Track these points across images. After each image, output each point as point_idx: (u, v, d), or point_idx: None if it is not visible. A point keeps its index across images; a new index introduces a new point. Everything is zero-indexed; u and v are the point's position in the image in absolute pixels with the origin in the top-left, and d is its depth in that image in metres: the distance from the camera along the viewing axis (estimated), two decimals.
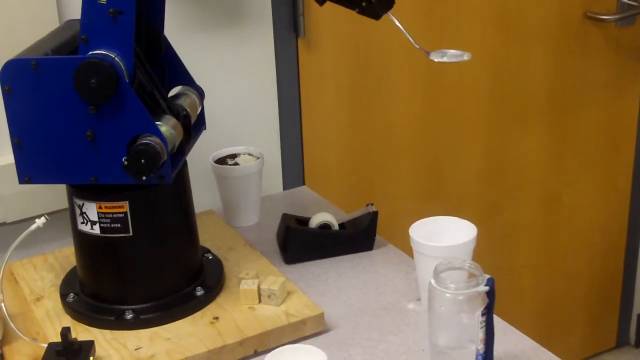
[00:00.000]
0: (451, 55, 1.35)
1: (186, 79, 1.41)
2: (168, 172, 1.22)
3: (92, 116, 1.20)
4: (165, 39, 1.38)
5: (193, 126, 1.37)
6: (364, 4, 1.36)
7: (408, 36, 1.34)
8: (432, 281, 1.13)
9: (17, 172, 1.26)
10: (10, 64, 1.21)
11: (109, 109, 1.20)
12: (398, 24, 1.33)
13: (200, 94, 1.42)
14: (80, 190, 1.28)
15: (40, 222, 1.25)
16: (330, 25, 1.87)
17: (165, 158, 1.21)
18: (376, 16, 1.39)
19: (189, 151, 1.35)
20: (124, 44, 1.20)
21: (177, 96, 1.37)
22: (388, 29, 1.94)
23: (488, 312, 1.12)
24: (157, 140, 1.20)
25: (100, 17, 1.18)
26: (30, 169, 1.26)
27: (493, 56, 2.09)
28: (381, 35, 1.92)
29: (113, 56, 1.19)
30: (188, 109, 1.33)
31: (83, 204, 1.27)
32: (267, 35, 1.79)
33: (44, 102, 1.21)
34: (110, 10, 1.18)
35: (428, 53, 1.35)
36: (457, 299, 1.11)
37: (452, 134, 2.09)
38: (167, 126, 1.24)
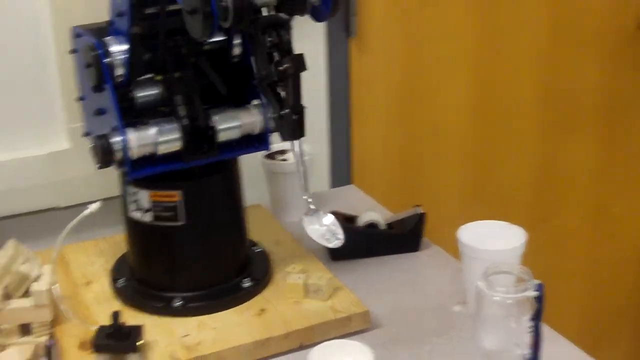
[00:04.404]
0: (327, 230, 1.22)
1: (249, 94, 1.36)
2: (129, 170, 1.26)
3: (97, 95, 1.26)
4: None
5: (242, 142, 1.34)
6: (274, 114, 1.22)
7: (302, 179, 1.21)
8: (481, 284, 1.13)
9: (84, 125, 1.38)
10: (73, 30, 1.32)
11: (101, 95, 1.26)
12: (299, 160, 1.21)
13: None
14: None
15: (94, 206, 1.27)
16: (382, 26, 1.87)
17: (123, 158, 1.24)
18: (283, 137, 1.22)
19: (194, 161, 1.30)
20: (121, 40, 1.24)
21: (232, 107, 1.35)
22: (440, 32, 1.95)
23: (536, 317, 1.11)
24: (118, 139, 1.23)
25: (115, 9, 1.25)
26: (86, 125, 1.35)
27: (545, 64, 2.09)
28: (433, 38, 1.92)
29: (113, 48, 1.23)
30: (219, 122, 1.30)
31: (136, 191, 1.29)
32: (319, 34, 1.80)
33: (82, 69, 1.30)
34: (117, 10, 1.24)
35: (309, 211, 1.22)
36: (505, 303, 1.11)
37: (501, 140, 2.09)
38: (145, 129, 1.25)
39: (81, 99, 1.31)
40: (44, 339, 1.26)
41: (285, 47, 1.17)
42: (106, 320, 1.26)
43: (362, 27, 1.84)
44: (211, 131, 1.29)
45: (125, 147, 1.24)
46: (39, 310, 1.25)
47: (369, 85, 1.90)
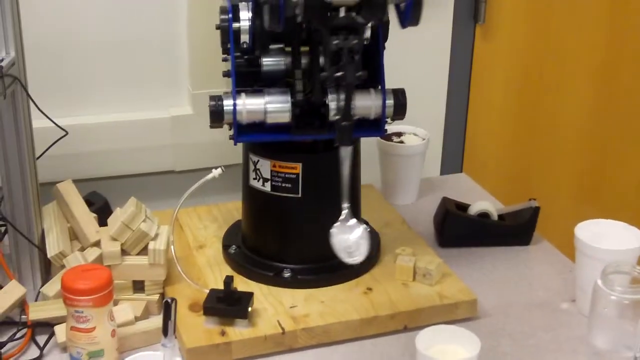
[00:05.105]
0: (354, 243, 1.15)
1: (374, 79, 1.35)
2: (235, 134, 1.29)
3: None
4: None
5: (358, 124, 1.28)
6: None
7: (345, 186, 1.17)
8: (599, 282, 1.12)
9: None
10: None
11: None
12: (344, 167, 1.16)
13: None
14: (257, 147, 1.32)
15: (217, 172, 1.30)
16: (510, 14, 1.85)
17: (231, 122, 1.27)
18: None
19: (302, 135, 1.30)
20: (252, 8, 1.26)
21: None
22: (568, 25, 1.92)
23: None
24: (229, 102, 1.26)
25: None
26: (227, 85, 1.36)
27: None
28: (560, 30, 1.89)
29: (242, 14, 1.24)
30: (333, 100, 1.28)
31: (258, 160, 1.32)
32: (446, 19, 1.79)
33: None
34: None
35: (344, 220, 1.18)
36: (622, 303, 1.10)
37: (618, 139, 2.04)
38: (258, 97, 1.27)
39: (224, 60, 1.33)
40: (156, 296, 1.30)
41: (348, 53, 1.12)
42: (216, 284, 1.30)
43: (491, 15, 1.82)
44: (324, 108, 1.29)
45: (234, 111, 1.27)
46: (154, 269, 1.29)
47: (490, 74, 1.89)
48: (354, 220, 1.16)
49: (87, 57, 1.61)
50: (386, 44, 1.37)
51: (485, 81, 1.88)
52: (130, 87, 1.64)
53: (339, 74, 1.11)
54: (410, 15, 1.19)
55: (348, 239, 1.15)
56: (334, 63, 1.13)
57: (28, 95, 1.28)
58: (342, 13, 1.12)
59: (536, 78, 1.93)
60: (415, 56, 1.79)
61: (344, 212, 1.16)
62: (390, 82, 1.64)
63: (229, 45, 1.27)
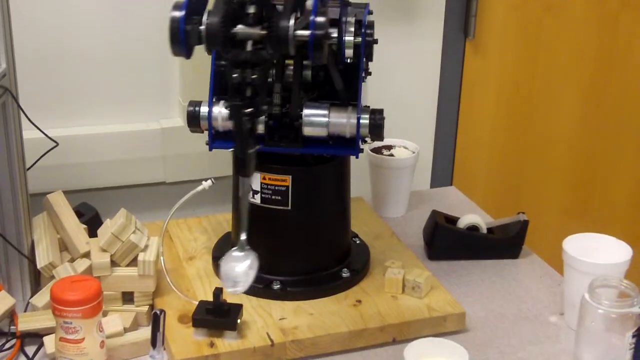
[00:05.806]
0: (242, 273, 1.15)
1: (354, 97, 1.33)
2: (210, 140, 1.32)
3: None
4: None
5: (335, 141, 1.31)
6: None
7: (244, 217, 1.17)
8: (586, 295, 1.12)
9: None
10: None
11: None
12: (243, 196, 1.17)
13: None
14: None
15: (207, 184, 1.31)
16: (501, 29, 1.86)
17: (206, 127, 1.31)
18: None
19: (274, 147, 1.31)
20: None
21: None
22: (558, 42, 1.93)
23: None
24: (204, 109, 1.30)
25: None
26: None
27: None
28: (550, 46, 1.90)
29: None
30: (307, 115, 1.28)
31: None
32: (437, 33, 1.80)
33: None
34: None
35: (238, 248, 1.17)
36: (609, 317, 1.11)
37: (608, 154, 2.05)
38: (225, 105, 1.29)
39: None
40: (145, 308, 1.30)
41: (244, 87, 1.11)
42: (205, 296, 1.30)
43: (482, 30, 1.83)
44: (298, 123, 1.28)
45: (209, 117, 1.30)
46: (144, 280, 1.29)
47: (480, 88, 1.90)
48: (246, 251, 1.16)
49: (78, 68, 1.61)
50: (377, 58, 1.37)
51: (475, 95, 1.89)
52: (121, 99, 1.65)
53: (228, 108, 1.12)
54: (312, 54, 1.14)
55: (237, 267, 1.15)
56: (234, 94, 1.11)
57: (19, 106, 1.28)
58: (249, 46, 1.10)
59: (526, 92, 1.94)
60: (406, 70, 1.80)
61: (240, 241, 1.16)
62: (381, 96, 1.66)
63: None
